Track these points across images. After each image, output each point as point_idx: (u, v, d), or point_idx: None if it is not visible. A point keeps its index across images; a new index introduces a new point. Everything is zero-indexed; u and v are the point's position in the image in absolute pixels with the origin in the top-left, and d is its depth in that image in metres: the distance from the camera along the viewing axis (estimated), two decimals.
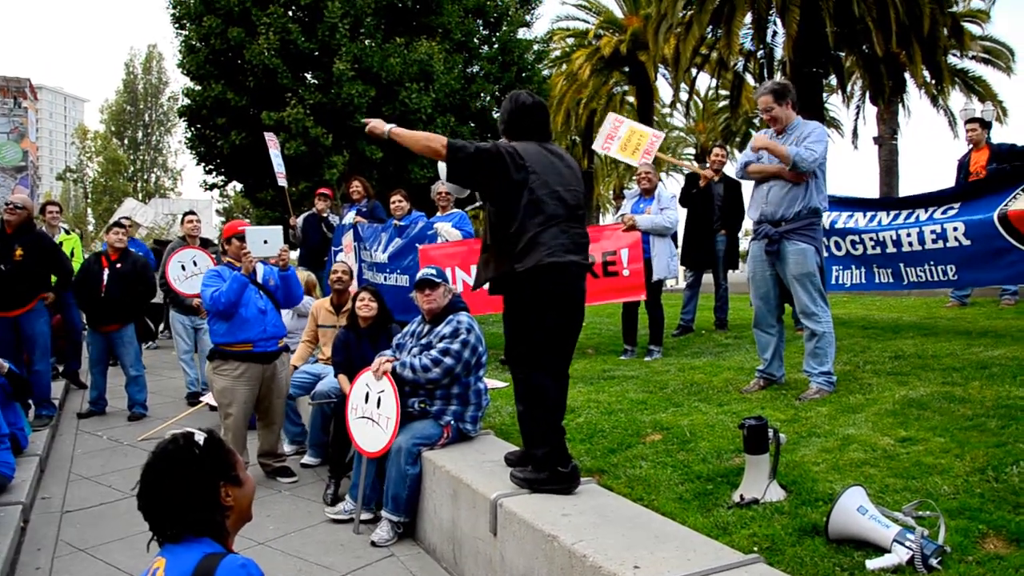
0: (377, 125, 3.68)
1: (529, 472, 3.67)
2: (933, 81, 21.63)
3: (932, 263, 6.35)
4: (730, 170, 8.46)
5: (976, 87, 23.40)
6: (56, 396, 7.70)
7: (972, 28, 21.28)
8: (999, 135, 23.34)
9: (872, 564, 2.61)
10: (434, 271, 4.78)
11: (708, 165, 8.54)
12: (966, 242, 6.08)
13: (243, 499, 2.05)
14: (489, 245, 3.68)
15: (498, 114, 3.74)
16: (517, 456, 4.01)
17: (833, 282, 7.08)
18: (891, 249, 6.62)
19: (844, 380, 4.98)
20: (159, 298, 9.62)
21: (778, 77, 22.63)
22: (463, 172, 3.52)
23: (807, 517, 3.02)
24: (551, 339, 3.57)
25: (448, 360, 4.45)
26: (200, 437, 1.99)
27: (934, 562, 2.54)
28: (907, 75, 21.35)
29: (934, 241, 6.27)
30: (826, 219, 6.94)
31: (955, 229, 6.13)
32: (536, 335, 3.55)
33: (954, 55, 21.70)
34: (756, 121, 29.94)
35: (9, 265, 6.69)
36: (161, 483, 1.93)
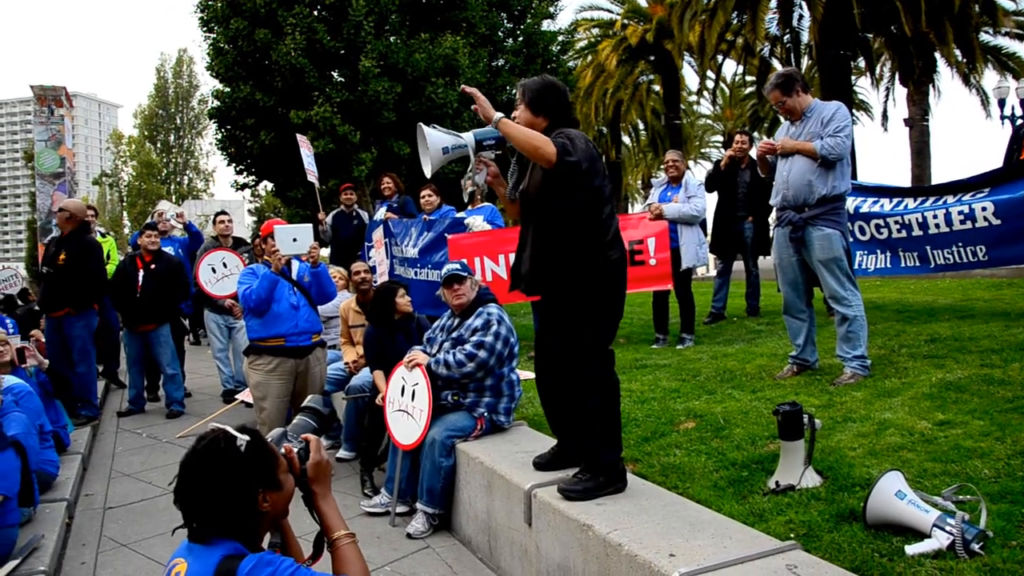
0: (486, 109, 3.29)
1: (587, 480, 3.39)
2: (965, 60, 21.22)
3: (960, 244, 6.24)
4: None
5: (1010, 64, 22.86)
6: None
7: (1005, 3, 20.79)
8: None
9: (911, 549, 2.57)
10: (458, 265, 4.80)
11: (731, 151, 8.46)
12: (996, 221, 5.97)
13: (281, 501, 1.97)
14: (550, 240, 3.40)
15: (525, 92, 3.46)
16: (547, 459, 3.84)
17: (857, 267, 6.95)
18: (917, 232, 6.50)
19: (879, 364, 4.92)
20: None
21: (804, 61, 22.37)
22: (571, 173, 3.27)
23: (844, 503, 2.99)
24: (614, 327, 3.52)
25: (482, 353, 4.47)
26: (242, 441, 1.87)
27: (976, 547, 2.49)
28: (937, 55, 20.98)
29: (962, 222, 6.16)
30: (850, 204, 6.82)
31: (984, 209, 6.01)
32: (610, 323, 3.48)
33: (986, 32, 21.26)
34: None
35: (53, 269, 6.92)
36: (198, 484, 1.85)
